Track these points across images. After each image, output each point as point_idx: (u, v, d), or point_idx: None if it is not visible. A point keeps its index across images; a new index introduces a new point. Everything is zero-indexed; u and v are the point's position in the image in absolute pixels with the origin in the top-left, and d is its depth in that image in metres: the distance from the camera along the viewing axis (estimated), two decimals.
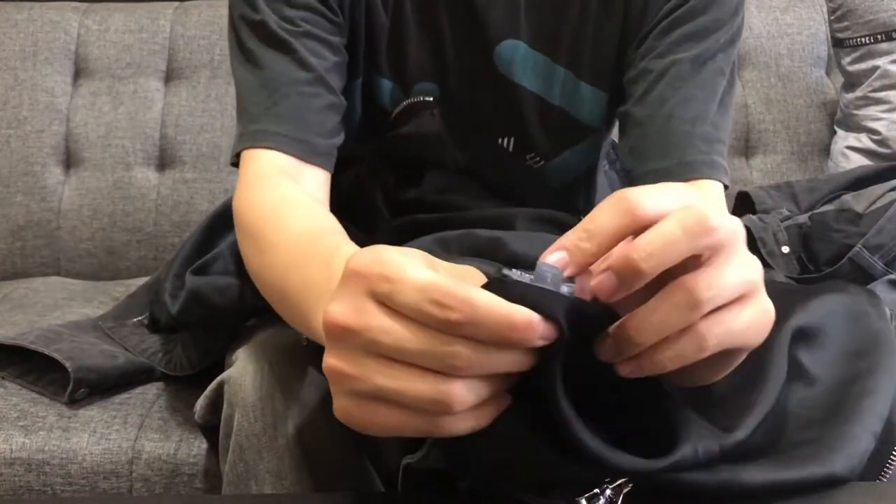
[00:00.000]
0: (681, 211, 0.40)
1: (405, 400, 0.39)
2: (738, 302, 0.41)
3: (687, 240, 0.39)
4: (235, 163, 0.77)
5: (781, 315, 0.58)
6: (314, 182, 0.75)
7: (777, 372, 0.54)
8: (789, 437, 0.52)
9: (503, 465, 0.45)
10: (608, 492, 0.45)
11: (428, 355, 0.38)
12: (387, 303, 0.39)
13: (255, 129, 0.75)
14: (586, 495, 0.45)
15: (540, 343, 0.38)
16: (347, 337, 0.39)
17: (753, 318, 0.42)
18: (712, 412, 0.49)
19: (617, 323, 0.41)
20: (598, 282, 0.40)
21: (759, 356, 0.54)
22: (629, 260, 0.39)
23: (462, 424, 0.40)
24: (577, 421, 0.41)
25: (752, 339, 0.43)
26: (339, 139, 0.78)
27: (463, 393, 0.38)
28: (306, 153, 0.74)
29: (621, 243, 0.41)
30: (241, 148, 0.76)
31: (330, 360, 0.40)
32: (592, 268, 0.41)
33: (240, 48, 0.78)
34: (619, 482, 0.45)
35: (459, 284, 0.38)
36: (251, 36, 0.77)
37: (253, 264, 0.71)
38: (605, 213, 0.41)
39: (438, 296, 0.37)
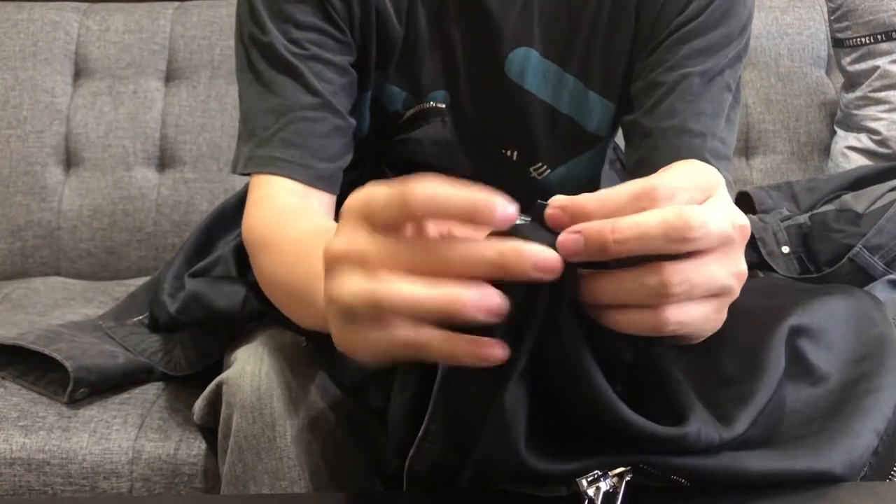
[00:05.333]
0: (670, 211, 0.40)
1: (353, 309, 0.40)
2: (705, 299, 0.42)
3: (664, 242, 0.40)
4: (242, 173, 0.78)
5: (781, 312, 0.58)
6: (319, 204, 0.76)
7: (774, 368, 0.54)
8: (790, 431, 0.53)
9: (504, 445, 0.46)
10: (610, 479, 0.45)
11: (415, 260, 0.39)
12: (371, 221, 0.40)
13: (262, 155, 0.76)
14: (588, 477, 0.45)
15: (502, 224, 0.39)
16: (341, 260, 0.41)
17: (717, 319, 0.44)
18: (709, 403, 0.50)
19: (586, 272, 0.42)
20: (564, 240, 0.40)
21: (755, 351, 0.55)
22: (602, 237, 0.39)
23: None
24: (598, 371, 0.43)
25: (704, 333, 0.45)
26: (345, 161, 0.79)
27: (398, 288, 0.39)
28: (311, 178, 0.76)
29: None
30: (250, 171, 0.77)
31: (329, 290, 0.41)
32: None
33: (249, 66, 0.79)
34: (620, 470, 0.46)
35: (425, 185, 0.39)
36: (260, 57, 0.78)
37: (262, 269, 0.73)
38: (626, 198, 0.41)
39: (401, 196, 0.39)
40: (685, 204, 0.41)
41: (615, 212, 0.40)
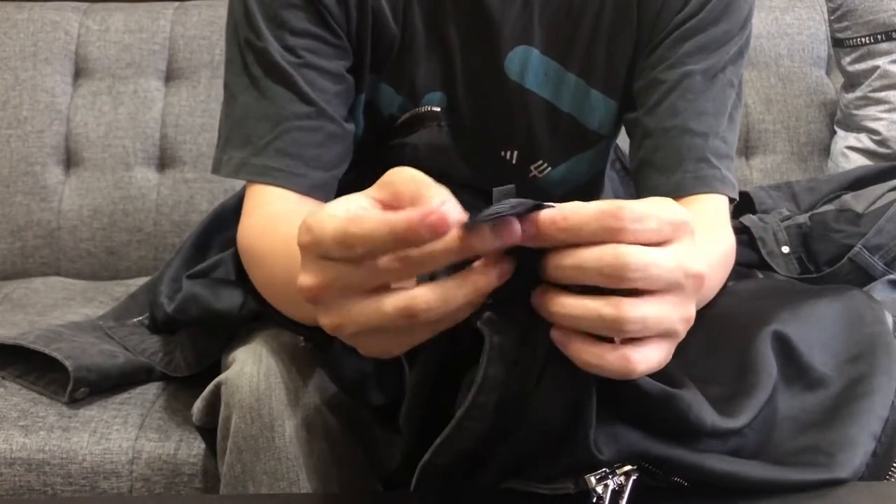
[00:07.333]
0: (608, 250, 0.41)
1: (386, 326, 0.42)
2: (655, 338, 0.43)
3: (599, 277, 0.41)
4: (231, 177, 0.78)
5: (765, 316, 0.58)
6: None
7: (766, 372, 0.54)
8: (787, 441, 0.53)
9: (541, 435, 0.46)
10: (618, 477, 0.45)
11: (373, 278, 0.41)
12: (326, 255, 0.42)
13: (256, 163, 0.76)
14: (595, 474, 0.45)
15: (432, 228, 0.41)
16: (322, 293, 0.43)
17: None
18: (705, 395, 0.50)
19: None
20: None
21: (742, 354, 0.55)
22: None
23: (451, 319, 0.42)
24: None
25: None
26: (341, 168, 0.79)
27: (426, 297, 0.41)
28: (305, 188, 0.76)
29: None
30: (243, 177, 0.77)
31: (323, 320, 0.44)
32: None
33: (244, 70, 0.78)
34: (627, 468, 0.46)
35: (360, 219, 0.41)
36: (255, 63, 0.77)
37: (258, 277, 0.73)
38: (592, 217, 0.41)
39: (345, 238, 0.41)
40: (653, 231, 0.42)
41: (579, 227, 0.41)
